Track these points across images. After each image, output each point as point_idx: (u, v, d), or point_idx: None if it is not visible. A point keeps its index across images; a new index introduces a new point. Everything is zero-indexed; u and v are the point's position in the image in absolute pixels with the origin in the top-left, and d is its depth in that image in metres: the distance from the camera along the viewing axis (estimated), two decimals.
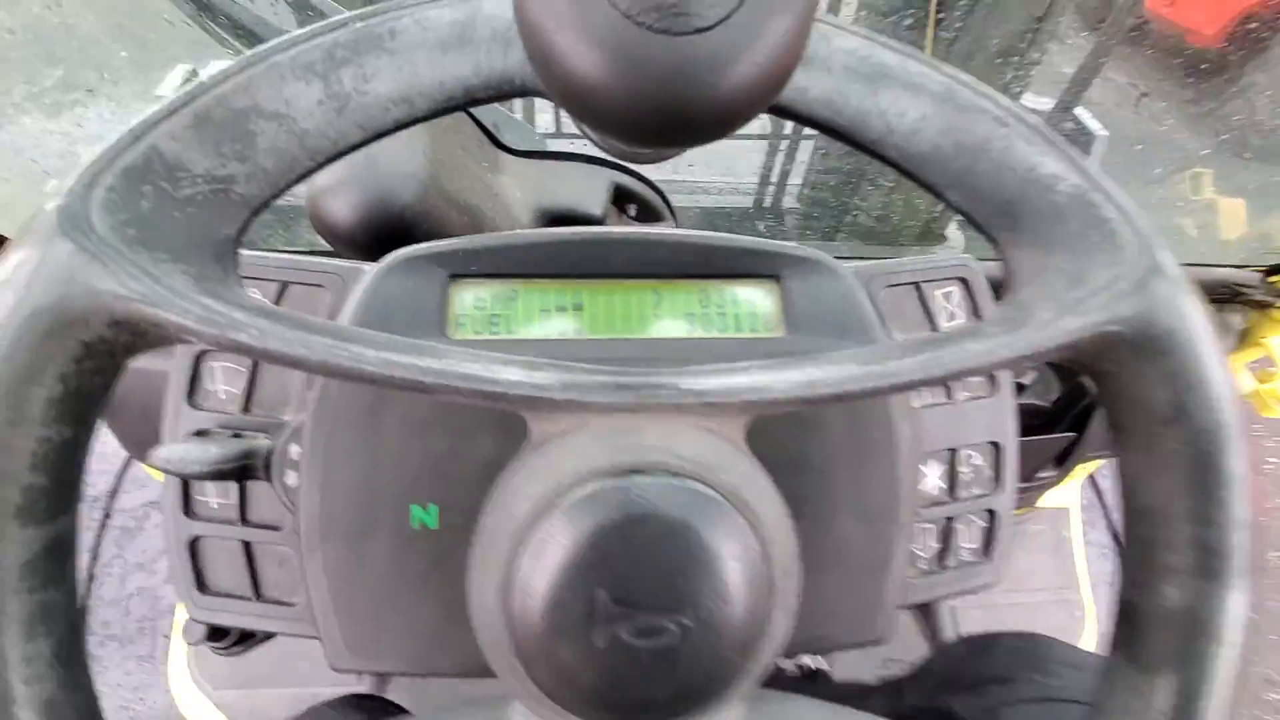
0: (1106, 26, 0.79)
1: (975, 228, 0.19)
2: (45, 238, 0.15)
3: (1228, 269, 0.67)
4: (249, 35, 0.43)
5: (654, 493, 0.16)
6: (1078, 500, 1.05)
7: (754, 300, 0.28)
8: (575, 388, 0.16)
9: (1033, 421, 0.61)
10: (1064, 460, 0.74)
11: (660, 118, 0.15)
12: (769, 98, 0.15)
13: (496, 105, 0.47)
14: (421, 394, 0.16)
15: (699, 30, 0.13)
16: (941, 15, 0.78)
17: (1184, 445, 0.17)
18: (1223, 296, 0.69)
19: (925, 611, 0.90)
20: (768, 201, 1.04)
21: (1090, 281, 0.18)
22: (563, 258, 0.27)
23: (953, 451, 0.31)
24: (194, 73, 0.48)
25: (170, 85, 0.48)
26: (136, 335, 0.15)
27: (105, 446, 1.08)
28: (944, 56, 0.79)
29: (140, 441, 0.27)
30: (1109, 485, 1.14)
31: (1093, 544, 1.08)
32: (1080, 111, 0.91)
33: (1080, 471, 0.99)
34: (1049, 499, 0.91)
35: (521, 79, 0.18)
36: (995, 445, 0.31)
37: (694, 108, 0.14)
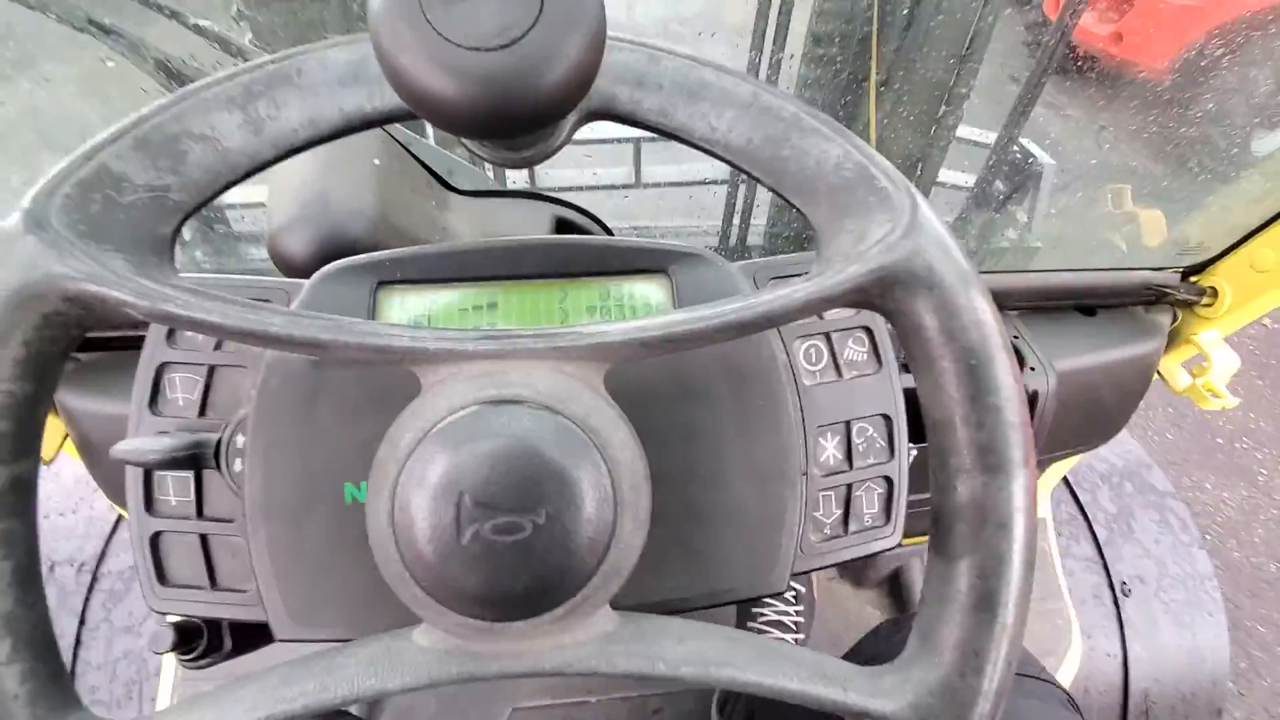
0: (1036, 63, 0.86)
1: (787, 204, 0.23)
2: (13, 234, 0.19)
3: (1148, 272, 0.71)
4: None
5: (510, 417, 0.19)
6: (1049, 511, 1.07)
7: (648, 293, 0.32)
8: (448, 339, 0.20)
9: None
10: None
11: (495, 115, 0.19)
12: (578, 94, 0.19)
13: (448, 153, 0.52)
14: (319, 351, 0.20)
15: (506, 45, 0.17)
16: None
17: (954, 362, 0.21)
18: (1149, 298, 0.74)
19: (902, 616, 0.91)
20: (733, 240, 1.10)
21: (870, 237, 0.22)
22: (479, 264, 0.31)
23: (847, 424, 0.34)
24: None
25: None
26: (85, 309, 0.19)
27: (93, 510, 1.09)
28: (883, 92, 0.86)
29: (120, 486, 0.31)
30: (1089, 499, 1.16)
31: (1076, 557, 1.09)
32: (1028, 143, 0.97)
33: (1053, 476, 1.01)
34: None
35: (404, 106, 0.22)
36: (886, 418, 0.35)
37: (520, 104, 0.18)
